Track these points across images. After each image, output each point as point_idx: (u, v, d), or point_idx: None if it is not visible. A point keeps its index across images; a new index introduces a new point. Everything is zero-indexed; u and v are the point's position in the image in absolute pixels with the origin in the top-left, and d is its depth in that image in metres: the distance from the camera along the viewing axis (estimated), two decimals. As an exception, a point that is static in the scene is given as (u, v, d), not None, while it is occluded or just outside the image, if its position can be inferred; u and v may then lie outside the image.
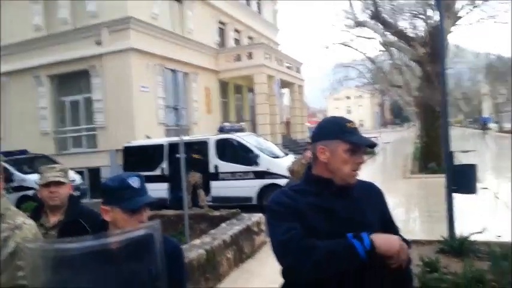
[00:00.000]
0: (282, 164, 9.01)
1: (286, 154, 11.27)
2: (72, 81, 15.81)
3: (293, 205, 1.56)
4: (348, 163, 1.57)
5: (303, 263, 1.44)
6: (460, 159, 12.26)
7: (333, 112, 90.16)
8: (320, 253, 1.43)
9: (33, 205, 9.34)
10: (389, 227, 1.67)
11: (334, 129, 1.61)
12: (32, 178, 11.02)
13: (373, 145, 1.65)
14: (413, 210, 8.63)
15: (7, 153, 11.61)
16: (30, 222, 1.91)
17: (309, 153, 5.44)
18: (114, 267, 1.38)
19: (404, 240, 1.54)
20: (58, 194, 2.49)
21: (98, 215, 2.47)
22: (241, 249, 5.72)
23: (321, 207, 1.57)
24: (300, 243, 1.46)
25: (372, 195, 1.70)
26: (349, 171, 1.58)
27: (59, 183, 2.50)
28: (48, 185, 2.50)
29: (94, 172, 14.16)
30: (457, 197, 5.86)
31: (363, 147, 1.62)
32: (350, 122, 1.63)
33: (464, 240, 5.23)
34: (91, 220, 2.45)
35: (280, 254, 1.51)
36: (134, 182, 1.62)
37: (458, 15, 14.04)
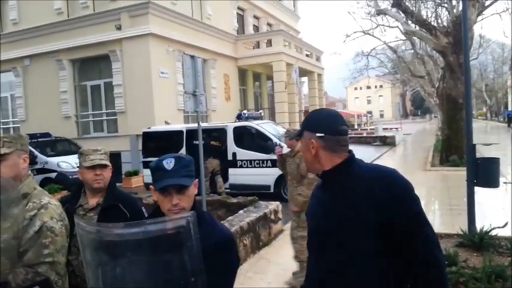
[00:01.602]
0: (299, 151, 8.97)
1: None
2: (93, 65, 15.98)
3: (309, 203, 1.71)
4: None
5: None
6: (482, 152, 12.03)
7: (352, 102, 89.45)
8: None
9: (55, 187, 9.58)
10: (401, 226, 1.44)
11: None
12: (55, 161, 11.28)
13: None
14: (433, 203, 8.53)
15: (31, 136, 11.86)
16: (55, 202, 1.96)
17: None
18: (144, 258, 1.37)
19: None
20: (103, 177, 2.51)
21: (135, 200, 2.51)
22: (258, 237, 5.75)
23: (317, 201, 1.65)
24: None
25: (375, 185, 1.47)
26: None
27: (104, 166, 2.52)
28: (93, 167, 2.50)
29: (115, 156, 14.34)
30: (478, 191, 5.77)
31: None
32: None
33: (484, 235, 5.14)
34: (129, 205, 2.51)
35: None
36: (168, 163, 1.61)
37: (484, 4, 13.66)
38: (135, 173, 12.85)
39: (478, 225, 5.41)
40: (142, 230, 1.35)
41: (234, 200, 7.06)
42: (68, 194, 2.69)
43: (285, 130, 5.35)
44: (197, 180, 1.68)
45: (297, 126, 20.61)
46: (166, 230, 1.34)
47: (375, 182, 1.48)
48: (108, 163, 2.55)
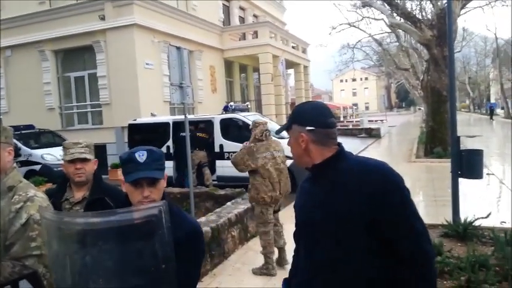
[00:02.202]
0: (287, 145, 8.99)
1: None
2: (76, 56, 15.72)
3: (297, 195, 1.72)
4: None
5: None
6: (466, 144, 12.23)
7: (338, 94, 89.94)
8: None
9: (40, 180, 9.45)
10: (391, 218, 1.44)
11: None
12: (39, 153, 11.11)
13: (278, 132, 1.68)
14: (417, 194, 8.65)
15: (14, 128, 11.61)
16: (41, 195, 1.93)
17: None
18: (116, 246, 1.40)
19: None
20: (84, 171, 2.46)
21: (121, 192, 2.49)
22: (246, 228, 5.77)
23: (306, 194, 1.65)
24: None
25: (365, 178, 1.46)
26: None
27: (84, 160, 2.47)
28: (73, 161, 2.46)
29: (100, 148, 14.18)
30: (462, 182, 5.87)
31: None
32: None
33: (468, 225, 5.24)
34: (115, 197, 2.44)
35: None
36: (141, 156, 1.63)
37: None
38: (121, 165, 12.73)
39: (462, 216, 5.51)
40: (115, 219, 1.40)
41: (222, 192, 7.07)
42: (53, 187, 2.65)
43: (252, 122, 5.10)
44: (166, 174, 1.71)
45: (284, 119, 20.69)
46: (139, 218, 1.39)
47: (366, 176, 1.47)
48: (89, 156, 2.49)
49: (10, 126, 2.26)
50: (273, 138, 5.02)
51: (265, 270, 4.65)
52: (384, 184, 1.46)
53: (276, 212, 4.94)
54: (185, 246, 1.56)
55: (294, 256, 1.77)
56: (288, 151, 5.68)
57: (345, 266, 1.47)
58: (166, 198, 1.70)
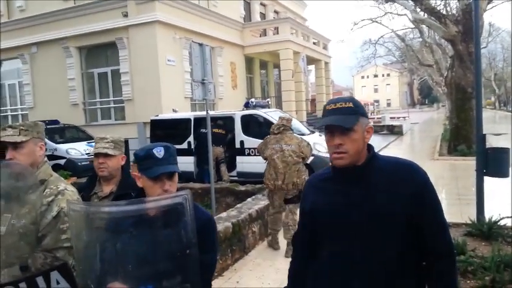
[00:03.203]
0: (308, 141, 8.96)
1: (312, 132, 11.21)
2: (100, 53, 15.98)
3: (307, 196, 1.71)
4: (329, 146, 1.56)
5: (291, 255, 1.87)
6: (490, 142, 11.95)
7: (359, 90, 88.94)
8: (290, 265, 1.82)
9: (65, 174, 9.69)
10: (423, 216, 1.51)
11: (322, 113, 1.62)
12: (63, 148, 11.37)
13: (341, 126, 1.51)
14: (441, 192, 8.51)
15: (39, 123, 11.93)
16: (72, 188, 1.98)
17: None
18: (146, 233, 1.49)
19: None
20: (106, 166, 2.51)
21: None
22: (266, 224, 5.79)
23: (334, 192, 1.59)
24: (295, 243, 1.84)
25: (402, 177, 1.53)
26: (331, 154, 1.55)
27: (107, 155, 2.51)
28: (97, 155, 2.52)
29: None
30: (486, 181, 5.75)
31: (337, 128, 1.52)
32: (333, 103, 1.57)
33: (493, 224, 5.13)
34: (142, 193, 2.48)
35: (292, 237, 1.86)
36: (159, 152, 1.70)
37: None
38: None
39: (486, 215, 5.41)
40: (145, 206, 1.52)
41: (242, 188, 7.10)
42: (84, 182, 2.71)
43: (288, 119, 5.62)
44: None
45: (304, 115, 20.60)
46: (166, 206, 1.49)
47: (405, 176, 1.54)
48: (112, 152, 2.52)
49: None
50: (291, 134, 5.42)
51: (271, 243, 5.49)
52: (424, 184, 1.55)
53: (288, 201, 5.27)
54: (204, 234, 1.64)
55: (299, 259, 1.77)
56: (321, 147, 5.88)
57: (383, 263, 1.50)
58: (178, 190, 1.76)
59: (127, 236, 1.48)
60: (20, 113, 18.11)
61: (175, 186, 1.74)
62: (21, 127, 1.97)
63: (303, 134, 10.23)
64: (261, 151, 5.51)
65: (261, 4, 23.15)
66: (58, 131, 12.72)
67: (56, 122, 13.12)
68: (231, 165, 10.23)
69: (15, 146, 1.92)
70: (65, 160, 10.98)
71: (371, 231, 1.50)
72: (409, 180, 1.52)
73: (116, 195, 2.49)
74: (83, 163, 11.03)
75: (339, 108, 1.54)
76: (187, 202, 1.46)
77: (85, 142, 11.97)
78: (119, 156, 2.57)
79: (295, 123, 11.04)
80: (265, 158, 5.40)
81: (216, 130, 9.94)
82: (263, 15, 23.60)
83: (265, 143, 5.45)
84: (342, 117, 1.52)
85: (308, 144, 5.45)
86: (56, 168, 10.75)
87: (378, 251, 1.50)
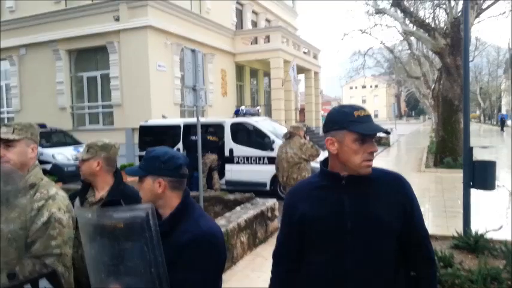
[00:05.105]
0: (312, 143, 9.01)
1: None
2: (89, 56, 15.86)
3: (295, 205, 1.65)
4: (358, 153, 1.53)
5: (272, 272, 1.79)
6: (475, 155, 12.09)
7: (347, 101, 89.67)
8: (272, 280, 1.77)
9: (50, 179, 9.57)
10: (411, 226, 1.60)
11: (340, 119, 1.56)
12: (50, 152, 11.21)
13: (385, 132, 1.59)
14: (427, 205, 8.58)
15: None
16: (62, 193, 1.95)
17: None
18: (109, 243, 1.48)
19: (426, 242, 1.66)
20: (82, 170, 2.48)
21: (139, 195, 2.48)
22: (255, 234, 5.76)
23: (327, 201, 1.58)
24: (277, 257, 1.76)
25: (393, 188, 1.59)
26: (360, 161, 1.53)
27: (82, 160, 2.48)
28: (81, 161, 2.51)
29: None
30: (473, 194, 5.81)
31: (372, 135, 1.54)
32: (359, 109, 1.57)
33: (479, 237, 5.19)
34: (133, 200, 2.44)
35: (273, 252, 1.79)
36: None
37: (482, 7, 13.74)
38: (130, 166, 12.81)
39: (473, 228, 5.46)
40: (103, 216, 1.51)
41: (231, 197, 7.05)
42: (79, 188, 2.65)
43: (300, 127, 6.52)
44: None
45: (293, 124, 20.63)
46: (125, 219, 1.45)
47: (396, 186, 1.62)
48: (85, 156, 2.45)
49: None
50: (297, 139, 6.20)
51: None
52: (410, 194, 1.63)
53: None
54: (190, 250, 1.54)
55: (284, 272, 1.72)
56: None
57: (376, 272, 1.53)
58: (188, 200, 1.71)
59: (97, 244, 1.49)
60: (6, 115, 17.83)
61: (141, 192, 1.71)
62: (16, 126, 1.94)
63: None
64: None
65: (253, 12, 23.26)
66: (45, 135, 12.55)
67: (43, 125, 12.95)
68: (220, 173, 10.18)
69: (7, 144, 1.88)
70: (51, 165, 10.82)
71: (365, 240, 1.52)
72: (400, 191, 1.60)
73: (104, 201, 2.45)
74: (69, 168, 10.88)
75: (369, 115, 1.57)
76: (149, 216, 1.41)
77: (72, 147, 11.83)
78: (90, 161, 2.44)
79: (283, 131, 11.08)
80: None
81: (210, 137, 9.92)
82: (255, 23, 23.71)
83: (279, 146, 6.53)
84: (377, 124, 1.58)
85: (313, 145, 6.21)
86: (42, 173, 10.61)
87: (371, 259, 1.52)
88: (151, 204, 1.47)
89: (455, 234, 5.48)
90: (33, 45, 16.09)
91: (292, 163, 6.11)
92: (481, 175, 5.57)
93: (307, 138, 6.73)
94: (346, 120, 1.54)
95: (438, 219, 7.37)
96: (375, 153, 1.59)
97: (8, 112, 17.71)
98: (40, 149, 11.43)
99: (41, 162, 11.01)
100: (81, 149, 2.56)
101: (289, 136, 6.36)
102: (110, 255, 1.47)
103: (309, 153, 6.12)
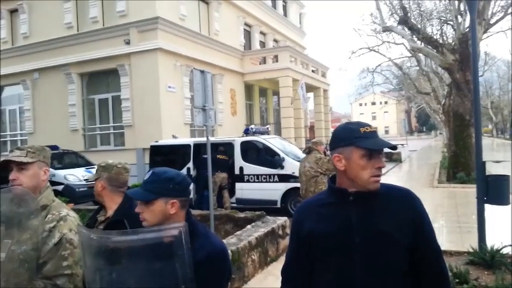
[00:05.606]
0: (330, 157, 8.98)
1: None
2: (101, 79, 16.14)
3: (303, 222, 1.65)
4: (365, 169, 1.53)
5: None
6: (489, 169, 11.93)
7: (357, 118, 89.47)
8: None
9: (62, 200, 9.61)
10: (422, 242, 1.56)
11: (347, 136, 1.57)
12: (62, 173, 11.31)
13: (392, 147, 1.60)
14: (441, 220, 8.45)
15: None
16: (73, 214, 1.97)
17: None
18: (137, 265, 1.45)
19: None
20: (94, 190, 2.50)
21: None
22: (266, 252, 5.72)
23: (335, 218, 1.57)
24: (286, 275, 1.73)
25: (403, 204, 1.57)
26: (368, 177, 1.53)
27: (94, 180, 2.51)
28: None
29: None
30: (487, 208, 5.72)
31: (379, 151, 1.55)
32: (365, 126, 1.57)
33: (495, 253, 5.09)
34: (135, 221, 2.44)
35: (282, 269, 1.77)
36: (146, 175, 1.73)
37: (490, 22, 13.75)
38: (141, 187, 12.84)
39: (487, 243, 5.35)
40: (136, 238, 1.46)
41: (242, 215, 7.02)
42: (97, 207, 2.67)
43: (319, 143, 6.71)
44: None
45: (303, 142, 20.66)
46: (159, 238, 1.45)
47: (405, 202, 1.60)
48: (93, 178, 2.49)
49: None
50: (315, 153, 6.40)
51: None
52: (421, 210, 1.61)
53: None
54: (206, 267, 1.55)
55: (298, 284, 1.70)
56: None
57: (383, 287, 1.51)
58: (190, 217, 1.72)
59: (120, 267, 1.46)
60: (19, 138, 18.14)
61: (149, 214, 1.64)
62: (29, 149, 1.98)
63: (299, 160, 10.25)
64: None
65: (261, 33, 23.56)
66: (56, 157, 12.67)
67: (55, 147, 13.10)
68: (230, 192, 10.18)
69: (20, 167, 1.92)
70: (62, 186, 10.90)
71: (373, 256, 1.50)
72: (410, 207, 1.58)
73: (109, 221, 2.46)
74: (81, 189, 10.95)
75: (375, 131, 1.59)
76: (182, 235, 1.42)
77: (83, 168, 11.93)
78: (97, 182, 2.49)
79: (295, 150, 11.08)
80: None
81: (220, 156, 9.96)
82: (263, 44, 23.99)
83: (300, 161, 6.84)
84: (383, 140, 1.58)
85: (329, 159, 6.18)
86: (54, 194, 10.69)
87: (380, 275, 1.50)
88: (184, 223, 1.50)
89: (471, 250, 5.38)
90: (46, 69, 16.46)
91: (310, 176, 6.30)
92: (494, 190, 5.50)
93: (328, 153, 6.78)
94: (353, 137, 1.54)
95: (452, 235, 7.25)
96: (384, 170, 1.58)
97: (21, 135, 18.02)
98: (52, 171, 11.56)
99: (53, 183, 11.08)
100: (93, 170, 2.60)
101: (308, 151, 6.60)
102: (137, 276, 1.44)
103: (325, 167, 6.27)
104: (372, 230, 1.51)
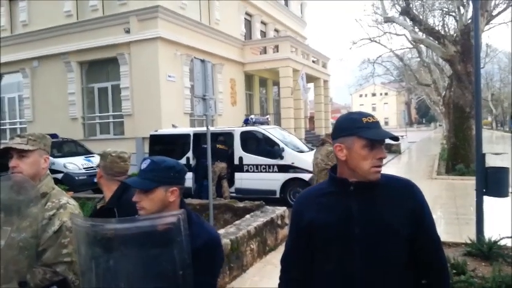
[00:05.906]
0: (307, 158, 8.98)
1: (311, 149, 11.22)
2: (101, 68, 16.09)
3: (303, 212, 1.65)
4: (366, 159, 1.52)
5: (280, 278, 1.75)
6: (488, 161, 11.95)
7: (357, 109, 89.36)
8: (280, 286, 1.73)
9: (61, 188, 9.67)
10: (423, 232, 1.56)
11: (349, 126, 1.56)
12: (61, 162, 11.32)
13: (394, 138, 1.59)
14: (439, 212, 8.48)
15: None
16: (73, 202, 1.97)
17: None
18: (136, 252, 1.47)
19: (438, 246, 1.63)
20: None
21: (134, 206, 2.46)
22: (264, 241, 5.75)
23: (336, 207, 1.57)
24: (286, 264, 1.73)
25: (403, 194, 1.57)
26: (368, 167, 1.53)
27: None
28: None
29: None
30: (485, 200, 5.73)
31: (381, 141, 1.54)
32: (368, 116, 1.57)
33: (493, 244, 5.11)
34: (127, 209, 2.43)
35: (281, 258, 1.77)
36: (143, 163, 1.71)
37: (492, 14, 13.66)
38: (141, 176, 12.86)
39: (485, 235, 5.38)
40: (135, 225, 1.48)
41: (241, 205, 7.05)
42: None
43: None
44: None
45: (302, 132, 20.66)
46: (159, 225, 1.47)
47: (406, 192, 1.59)
48: (98, 164, 2.55)
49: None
50: (328, 145, 6.29)
51: None
52: (421, 200, 1.60)
53: None
54: (203, 254, 1.58)
55: (292, 281, 1.71)
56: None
57: (386, 278, 1.51)
58: (184, 205, 1.73)
59: (118, 254, 1.46)
60: (18, 126, 18.13)
61: (149, 202, 1.64)
62: (30, 137, 1.97)
63: (302, 151, 10.25)
64: None
65: (262, 22, 23.42)
66: (56, 145, 12.67)
67: (54, 136, 13.09)
68: (230, 182, 10.20)
69: (21, 154, 1.91)
70: (62, 174, 10.92)
71: (373, 246, 1.50)
72: (410, 197, 1.58)
73: (98, 209, 2.46)
74: (80, 177, 10.98)
75: (378, 121, 1.57)
76: (180, 222, 1.44)
77: (83, 156, 11.93)
78: (97, 170, 2.54)
79: (294, 141, 11.08)
80: None
81: (219, 146, 9.97)
82: (263, 33, 23.86)
83: (314, 152, 6.83)
84: (385, 130, 1.57)
85: None
86: (54, 182, 10.71)
87: (380, 266, 1.50)
88: (183, 210, 1.52)
89: (468, 241, 5.40)
90: (45, 57, 16.38)
91: (321, 168, 6.35)
92: (493, 182, 5.51)
93: None
94: (355, 127, 1.53)
95: (450, 227, 7.27)
96: (385, 160, 1.58)
97: (20, 123, 18.00)
98: (51, 159, 11.57)
99: (53, 171, 11.12)
100: (92, 158, 2.61)
101: (322, 143, 6.64)
102: (136, 263, 1.46)
103: (334, 161, 6.28)
104: (372, 220, 1.51)
